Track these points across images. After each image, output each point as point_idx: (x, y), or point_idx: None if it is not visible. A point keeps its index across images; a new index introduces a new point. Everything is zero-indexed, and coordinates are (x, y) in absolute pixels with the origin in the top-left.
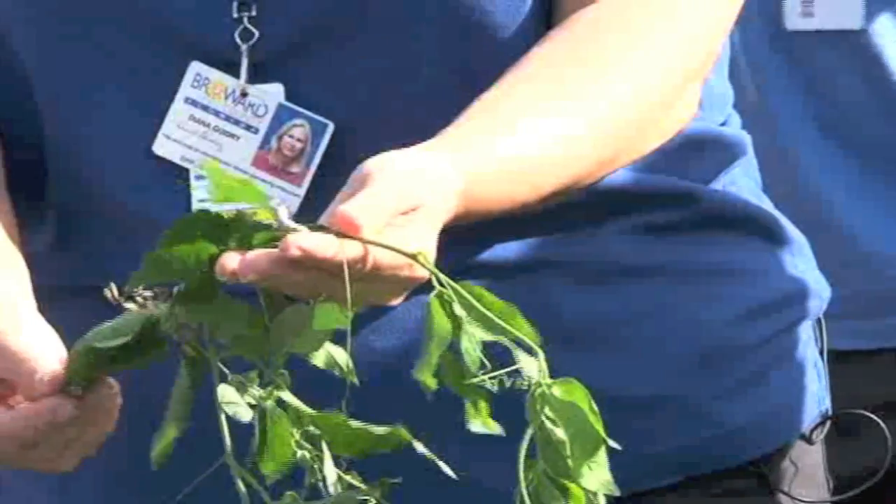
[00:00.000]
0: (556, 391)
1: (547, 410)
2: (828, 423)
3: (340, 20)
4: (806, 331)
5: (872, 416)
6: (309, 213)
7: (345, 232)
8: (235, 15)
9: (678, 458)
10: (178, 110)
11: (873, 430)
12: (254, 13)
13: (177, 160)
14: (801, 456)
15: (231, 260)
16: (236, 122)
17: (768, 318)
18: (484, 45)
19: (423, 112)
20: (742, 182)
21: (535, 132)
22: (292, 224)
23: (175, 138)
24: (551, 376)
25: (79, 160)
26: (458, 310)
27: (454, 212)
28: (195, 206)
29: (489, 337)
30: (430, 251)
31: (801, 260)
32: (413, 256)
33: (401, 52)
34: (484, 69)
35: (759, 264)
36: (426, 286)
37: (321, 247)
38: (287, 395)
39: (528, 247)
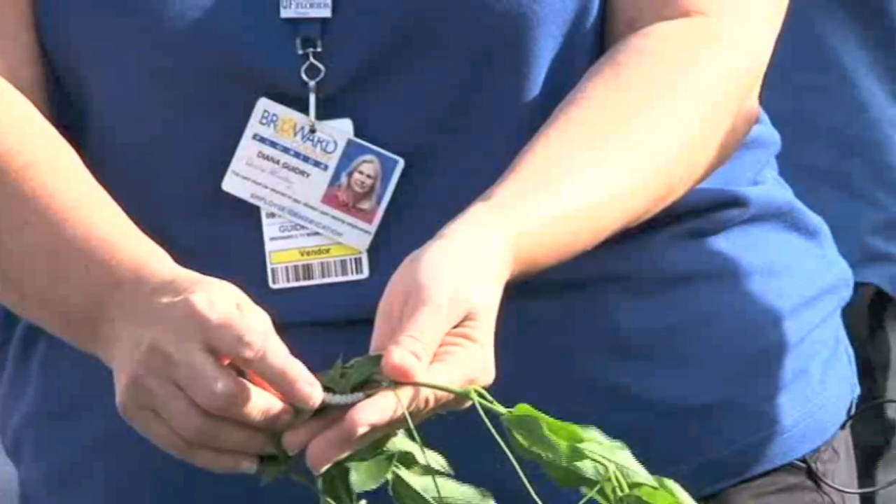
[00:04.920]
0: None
1: None
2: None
3: (406, 53)
4: (837, 319)
5: None
6: (381, 249)
7: (399, 380)
8: (300, 51)
9: (736, 461)
10: (247, 147)
11: None
12: (319, 49)
13: (246, 197)
14: (840, 442)
15: (295, 443)
16: (306, 159)
17: (809, 311)
18: (553, 74)
19: (493, 143)
20: (770, 175)
21: (593, 182)
22: (341, 399)
23: (244, 175)
24: (609, 391)
25: (146, 196)
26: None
27: (509, 276)
28: (266, 244)
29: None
30: (488, 367)
31: (828, 248)
32: (465, 394)
33: (469, 83)
34: (551, 98)
35: (797, 259)
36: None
37: (382, 416)
38: None
39: (584, 262)
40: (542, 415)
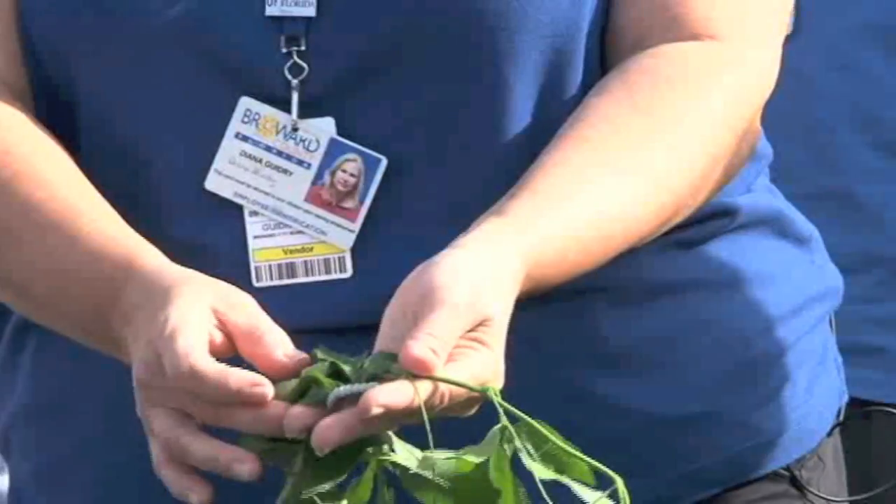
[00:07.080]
0: None
1: None
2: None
3: (390, 55)
4: (826, 326)
5: (894, 409)
6: (364, 248)
7: (416, 373)
8: (284, 50)
9: (720, 471)
10: (229, 146)
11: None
12: (303, 48)
13: (229, 196)
14: (826, 451)
15: (300, 422)
16: (288, 158)
17: (796, 320)
18: (544, 79)
19: (478, 148)
20: (761, 183)
21: (605, 203)
22: (356, 388)
23: (227, 174)
24: (594, 400)
25: (130, 195)
26: (520, 444)
27: (519, 291)
28: (250, 242)
29: (550, 475)
30: (499, 373)
31: (818, 255)
32: (483, 392)
33: (454, 88)
34: (540, 110)
35: (785, 267)
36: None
37: (398, 399)
38: None
39: None
40: (554, 432)
